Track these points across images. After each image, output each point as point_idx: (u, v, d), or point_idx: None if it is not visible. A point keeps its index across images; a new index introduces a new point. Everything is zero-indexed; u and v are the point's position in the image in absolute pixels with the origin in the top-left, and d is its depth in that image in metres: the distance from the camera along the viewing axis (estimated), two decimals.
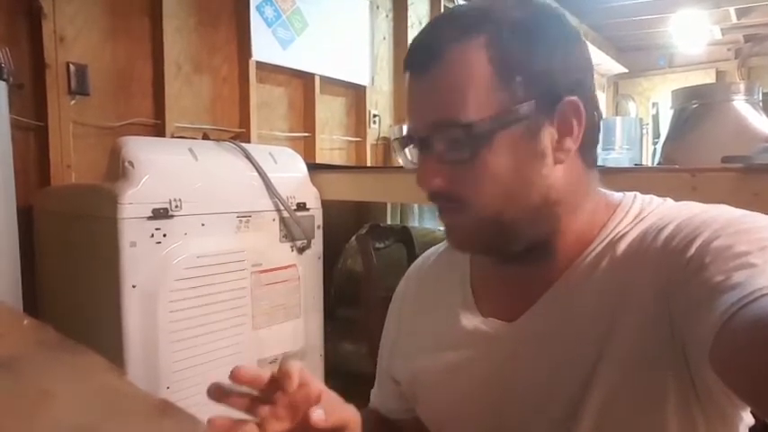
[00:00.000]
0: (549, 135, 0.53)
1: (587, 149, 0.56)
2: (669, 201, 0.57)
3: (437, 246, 0.76)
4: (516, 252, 0.56)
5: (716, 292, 0.42)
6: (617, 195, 0.60)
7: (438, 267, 0.72)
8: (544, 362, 0.55)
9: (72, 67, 1.57)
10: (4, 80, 1.23)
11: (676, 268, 0.48)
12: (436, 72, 0.53)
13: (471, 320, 0.62)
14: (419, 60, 0.55)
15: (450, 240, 0.60)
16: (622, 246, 0.54)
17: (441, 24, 0.56)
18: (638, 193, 0.59)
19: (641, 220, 0.55)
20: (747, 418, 0.53)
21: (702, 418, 0.50)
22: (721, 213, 0.50)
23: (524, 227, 0.54)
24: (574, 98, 0.53)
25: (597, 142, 0.58)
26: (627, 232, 0.54)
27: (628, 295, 0.51)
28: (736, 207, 0.51)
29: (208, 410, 1.43)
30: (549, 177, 0.54)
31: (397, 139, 0.61)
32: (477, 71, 0.51)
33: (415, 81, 0.55)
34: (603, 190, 0.60)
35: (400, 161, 0.59)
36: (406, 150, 0.59)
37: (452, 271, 0.68)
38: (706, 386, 0.47)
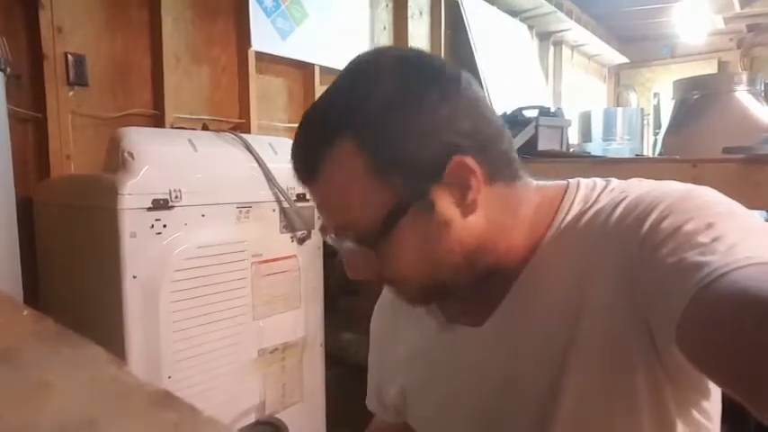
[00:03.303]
0: (446, 199, 0.52)
1: (501, 173, 0.55)
2: (614, 180, 0.57)
3: None
4: (464, 289, 0.57)
5: (671, 275, 0.43)
6: (559, 185, 0.59)
7: None
8: (516, 359, 0.56)
9: (70, 58, 1.56)
10: (1, 71, 1.22)
11: (631, 248, 0.48)
12: (318, 186, 0.55)
13: (441, 331, 0.63)
14: (300, 173, 0.57)
15: (401, 300, 0.61)
16: (576, 232, 0.54)
17: (309, 135, 0.56)
18: (580, 179, 0.59)
19: (591, 204, 0.55)
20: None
21: (671, 388, 0.50)
22: (669, 190, 0.50)
23: (461, 276, 0.55)
24: (458, 158, 0.51)
25: (510, 158, 0.56)
26: (579, 218, 0.55)
27: (589, 280, 0.51)
28: (738, 198, 0.50)
29: (209, 400, 1.43)
30: (463, 231, 0.53)
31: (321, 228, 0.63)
32: (354, 179, 0.52)
33: (307, 188, 0.57)
34: (541, 183, 0.60)
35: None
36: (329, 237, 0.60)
37: None
38: (674, 362, 0.47)
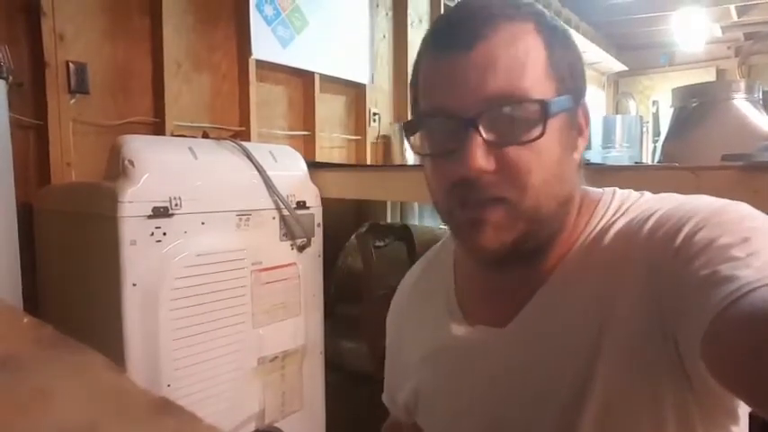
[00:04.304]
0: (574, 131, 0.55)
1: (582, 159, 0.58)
2: (647, 194, 0.57)
3: (421, 259, 0.76)
4: (521, 254, 0.54)
5: (703, 287, 0.42)
6: (597, 191, 0.60)
7: (424, 282, 0.72)
8: (539, 364, 0.55)
9: (71, 66, 1.56)
10: (3, 78, 1.23)
11: (664, 260, 0.48)
12: (495, 44, 0.49)
13: (460, 331, 0.61)
14: (470, 32, 0.50)
15: (478, 236, 0.53)
16: (607, 240, 0.54)
17: (484, 3, 0.52)
18: (616, 189, 0.59)
19: (623, 213, 0.55)
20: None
21: (698, 407, 0.50)
22: (703, 204, 0.50)
23: (549, 222, 0.54)
24: (586, 102, 0.55)
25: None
26: (610, 226, 0.54)
27: (618, 289, 0.51)
28: None
29: (208, 408, 1.43)
30: (573, 172, 0.55)
31: (408, 122, 0.56)
32: (535, 51, 0.50)
33: (461, 55, 0.50)
34: (584, 188, 0.60)
35: (408, 148, 0.55)
36: (414, 137, 0.56)
37: (436, 284, 0.68)
38: (700, 378, 0.47)
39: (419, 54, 0.56)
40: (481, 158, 0.49)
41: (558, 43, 0.53)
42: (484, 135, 0.49)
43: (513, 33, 0.50)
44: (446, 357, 0.63)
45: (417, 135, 0.56)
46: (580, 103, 0.55)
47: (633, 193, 0.58)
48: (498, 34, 0.50)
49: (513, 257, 0.54)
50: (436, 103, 0.53)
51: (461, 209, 0.53)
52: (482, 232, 0.52)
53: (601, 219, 0.56)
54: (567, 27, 0.56)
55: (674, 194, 0.55)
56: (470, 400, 0.60)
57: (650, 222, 0.51)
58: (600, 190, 0.60)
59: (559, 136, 0.52)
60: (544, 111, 0.49)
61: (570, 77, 0.53)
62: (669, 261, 0.47)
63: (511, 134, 0.50)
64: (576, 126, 0.55)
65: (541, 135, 0.49)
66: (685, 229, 0.47)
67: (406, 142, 2.64)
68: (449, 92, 0.51)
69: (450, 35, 0.52)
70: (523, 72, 0.49)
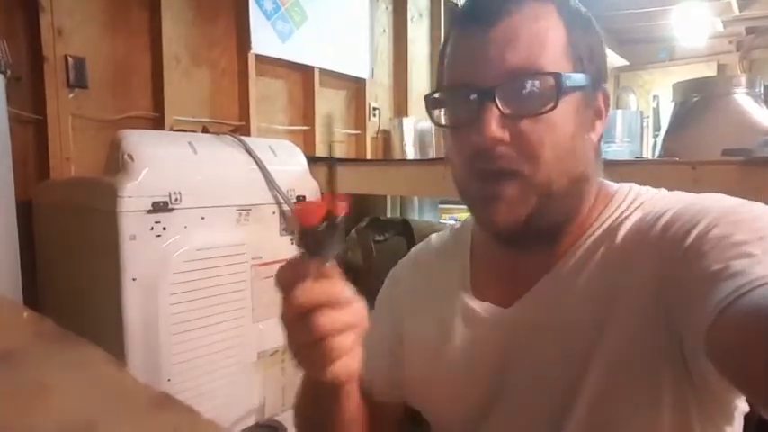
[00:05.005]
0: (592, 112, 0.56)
1: (600, 140, 0.58)
2: (664, 190, 0.58)
3: (440, 234, 0.76)
4: (535, 232, 0.55)
5: (714, 280, 0.42)
6: (614, 185, 0.60)
7: (437, 257, 0.72)
8: (540, 346, 0.55)
9: (70, 60, 1.56)
10: (1, 73, 1.22)
11: (674, 257, 0.48)
12: (517, 20, 0.52)
13: (469, 306, 0.62)
14: (494, 8, 0.52)
15: (492, 211, 0.54)
16: (619, 233, 0.54)
17: None
18: (633, 185, 0.60)
19: (637, 207, 0.55)
20: (742, 406, 0.53)
21: (696, 406, 0.50)
22: (718, 202, 0.50)
23: (561, 199, 0.54)
24: (606, 87, 0.57)
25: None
26: (623, 219, 0.55)
27: (625, 282, 0.51)
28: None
29: (208, 402, 1.43)
30: (588, 152, 0.55)
31: (430, 95, 0.58)
32: (555, 30, 0.53)
33: (485, 30, 0.52)
34: (601, 180, 0.61)
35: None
36: (437, 111, 0.58)
37: (452, 260, 0.68)
38: (701, 374, 0.47)
39: (447, 30, 0.59)
40: (496, 128, 0.51)
41: (578, 26, 0.54)
42: (500, 107, 0.51)
43: (535, 12, 0.52)
44: (452, 333, 0.63)
45: (440, 109, 0.58)
46: (600, 87, 0.56)
47: (651, 189, 0.58)
48: (521, 12, 0.52)
49: (527, 236, 0.55)
50: (458, 77, 0.55)
51: (477, 184, 0.54)
52: (496, 208, 0.54)
53: (614, 211, 0.56)
54: (589, 13, 0.57)
55: (689, 193, 0.55)
56: (470, 376, 0.61)
57: (662, 221, 0.51)
58: (617, 184, 0.60)
59: (574, 113, 0.53)
60: (558, 84, 0.51)
61: (589, 59, 0.54)
62: (678, 261, 0.47)
63: (525, 107, 0.51)
64: (594, 108, 0.56)
65: (554, 107, 0.51)
66: (696, 231, 0.47)
67: (405, 137, 2.64)
68: (470, 65, 0.53)
69: (475, 11, 0.54)
70: (543, 49, 0.52)
